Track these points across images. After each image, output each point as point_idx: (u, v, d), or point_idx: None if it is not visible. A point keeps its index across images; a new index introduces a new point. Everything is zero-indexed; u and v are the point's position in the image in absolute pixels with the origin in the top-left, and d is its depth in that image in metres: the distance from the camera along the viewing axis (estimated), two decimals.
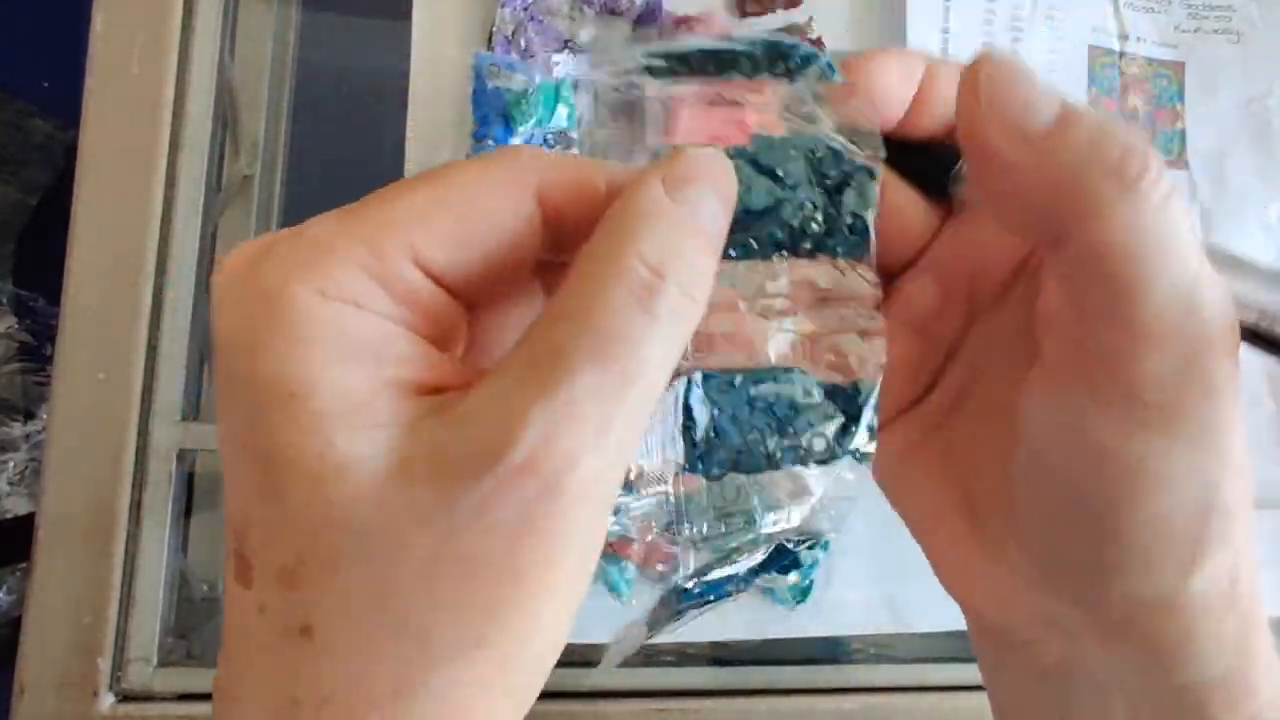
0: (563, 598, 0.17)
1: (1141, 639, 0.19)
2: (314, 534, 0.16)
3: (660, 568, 0.45)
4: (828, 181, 0.20)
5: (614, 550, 0.44)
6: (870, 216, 0.20)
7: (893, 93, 0.20)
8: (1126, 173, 0.16)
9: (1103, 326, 0.17)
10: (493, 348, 0.19)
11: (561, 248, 0.18)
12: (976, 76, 0.17)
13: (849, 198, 0.20)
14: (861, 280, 0.20)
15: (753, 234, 0.20)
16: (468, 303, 0.18)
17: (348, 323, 0.16)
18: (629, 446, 0.16)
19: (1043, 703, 0.22)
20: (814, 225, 0.20)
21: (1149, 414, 0.17)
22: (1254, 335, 0.19)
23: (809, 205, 0.20)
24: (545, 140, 0.47)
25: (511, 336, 0.17)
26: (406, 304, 0.17)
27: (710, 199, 0.17)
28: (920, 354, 0.23)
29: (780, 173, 0.20)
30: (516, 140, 0.47)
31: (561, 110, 0.47)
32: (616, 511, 0.44)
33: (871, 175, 0.20)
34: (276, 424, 0.16)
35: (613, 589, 0.44)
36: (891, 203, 0.21)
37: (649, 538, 0.22)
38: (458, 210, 0.17)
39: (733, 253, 0.20)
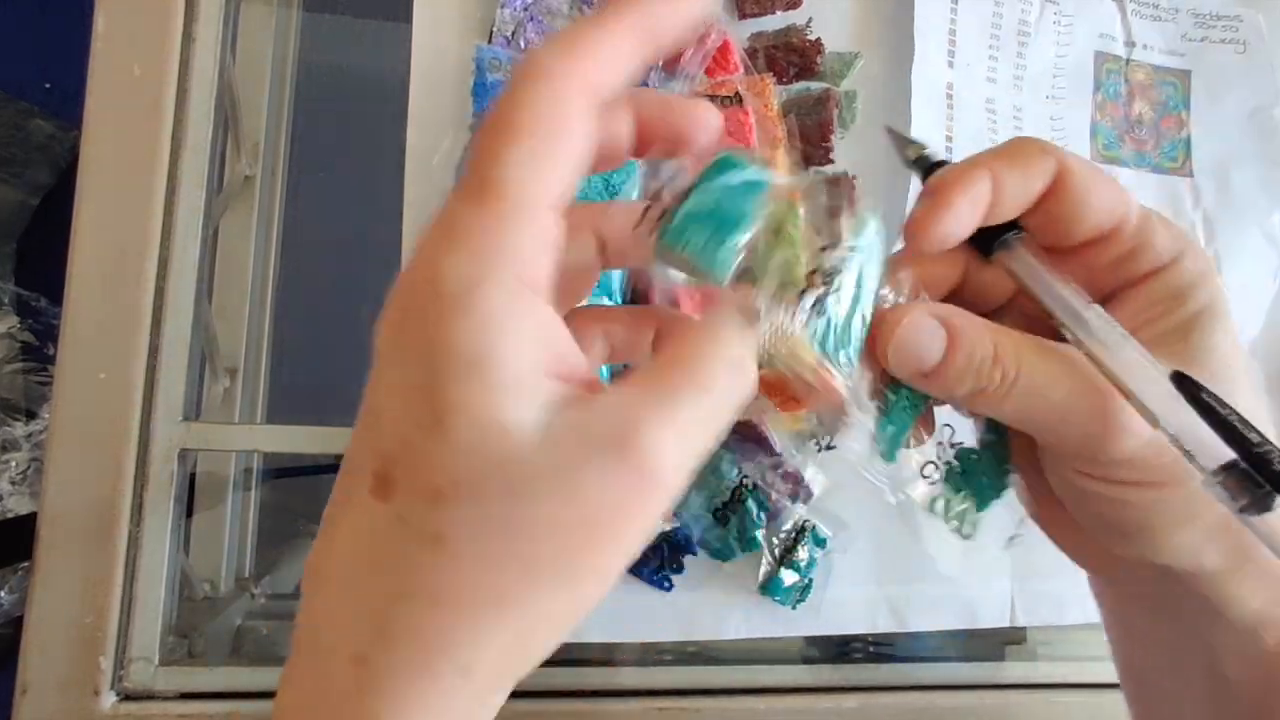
0: (631, 556, 0.21)
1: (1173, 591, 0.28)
2: (472, 468, 0.20)
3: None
4: None
5: None
6: None
7: (975, 203, 0.27)
8: (990, 381, 0.26)
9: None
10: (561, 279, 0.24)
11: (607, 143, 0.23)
12: (883, 344, 0.27)
13: None
14: None
15: None
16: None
17: (525, 307, 0.20)
18: (702, 457, 0.22)
19: (1152, 630, 0.32)
20: None
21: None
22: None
23: None
24: None
25: (573, 268, 0.24)
26: (550, 247, 0.21)
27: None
28: None
29: None
30: None
31: None
32: None
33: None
34: (459, 383, 0.20)
35: None
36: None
37: None
38: (553, 148, 0.21)
39: None
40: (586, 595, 0.21)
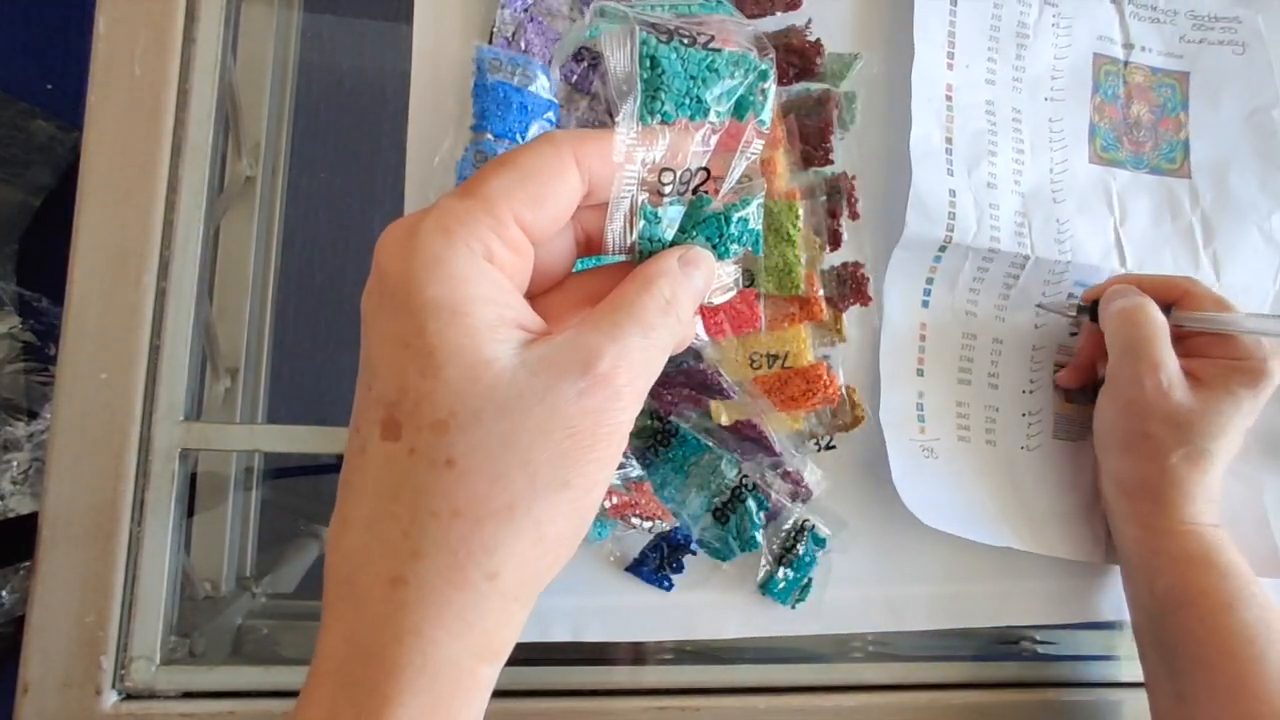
0: (610, 465, 0.26)
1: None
2: (466, 399, 0.24)
3: (635, 521, 0.46)
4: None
5: None
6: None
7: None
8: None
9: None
10: (543, 269, 0.28)
11: (593, 195, 0.28)
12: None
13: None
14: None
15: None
16: (537, 241, 0.27)
17: (486, 272, 0.25)
18: (651, 381, 0.27)
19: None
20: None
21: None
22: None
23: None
24: None
25: (555, 260, 0.28)
26: (513, 248, 0.26)
27: (700, 275, 0.29)
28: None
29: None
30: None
31: None
32: None
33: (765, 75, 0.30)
34: (442, 330, 0.24)
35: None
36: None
37: None
38: (533, 182, 0.26)
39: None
40: (582, 500, 0.25)
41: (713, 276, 0.29)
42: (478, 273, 0.24)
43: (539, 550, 0.24)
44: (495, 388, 0.24)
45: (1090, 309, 0.51)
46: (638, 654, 0.50)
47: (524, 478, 0.24)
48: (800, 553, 0.48)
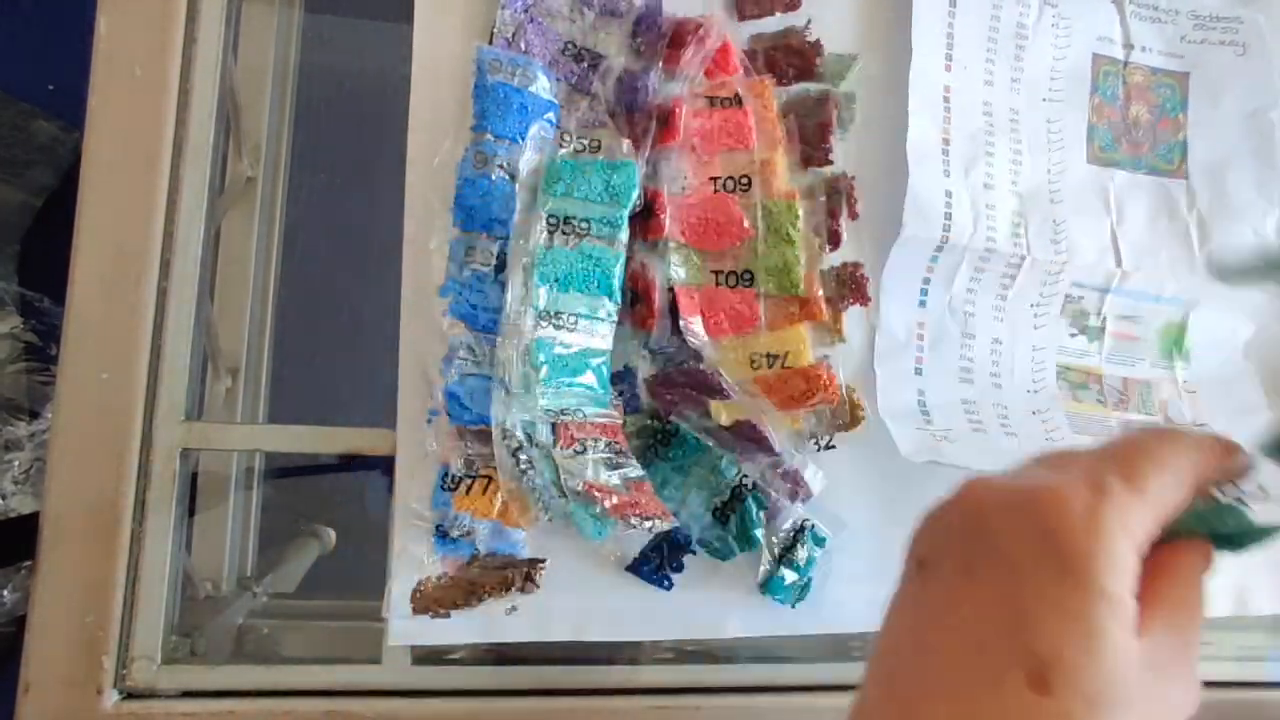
0: None
1: None
2: (1113, 682, 0.27)
3: (635, 521, 0.46)
4: None
5: (589, 490, 0.44)
6: None
7: None
8: None
9: None
10: None
11: None
12: None
13: None
14: None
15: None
16: None
17: (1135, 568, 0.28)
18: None
19: None
20: None
21: None
22: None
23: None
24: None
25: None
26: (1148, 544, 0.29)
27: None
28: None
29: None
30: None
31: None
32: None
33: None
34: (1108, 618, 0.27)
35: (582, 530, 0.44)
36: None
37: None
38: (1179, 492, 0.30)
39: None
40: None
41: None
42: (1133, 568, 0.28)
43: None
44: (1129, 681, 0.27)
45: None
46: (637, 654, 0.51)
47: None
48: (800, 553, 0.48)
